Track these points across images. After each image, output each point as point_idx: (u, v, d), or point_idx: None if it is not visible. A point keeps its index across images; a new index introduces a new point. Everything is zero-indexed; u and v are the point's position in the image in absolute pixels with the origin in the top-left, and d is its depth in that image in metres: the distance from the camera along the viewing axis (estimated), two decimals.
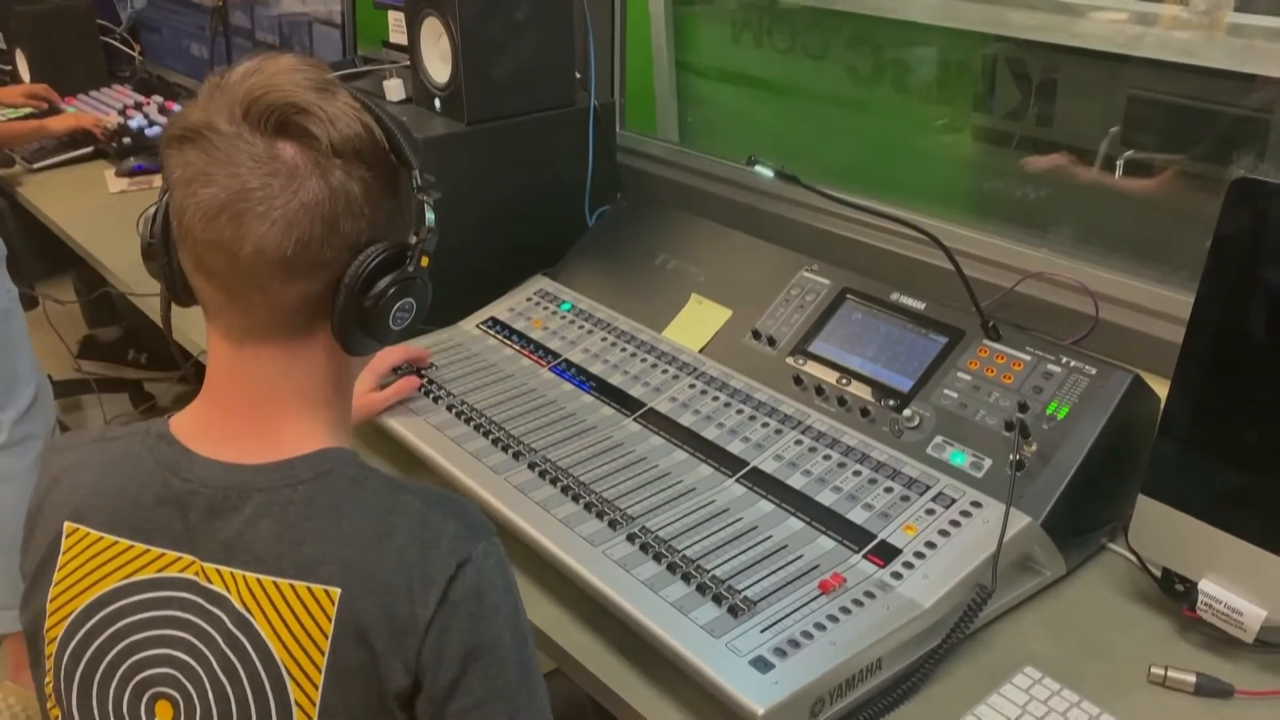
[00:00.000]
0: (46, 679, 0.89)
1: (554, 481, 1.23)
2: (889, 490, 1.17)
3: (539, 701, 0.85)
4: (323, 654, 0.79)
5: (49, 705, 0.90)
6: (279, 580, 0.80)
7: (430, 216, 0.85)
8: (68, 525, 0.87)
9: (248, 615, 0.80)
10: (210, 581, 0.82)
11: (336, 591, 0.79)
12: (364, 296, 0.82)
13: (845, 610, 1.02)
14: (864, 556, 1.09)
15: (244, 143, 0.78)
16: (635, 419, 1.36)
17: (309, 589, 0.79)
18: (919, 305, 1.34)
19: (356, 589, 0.79)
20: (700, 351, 1.46)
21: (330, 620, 0.78)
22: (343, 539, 0.81)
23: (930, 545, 1.09)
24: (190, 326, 1.84)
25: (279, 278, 0.80)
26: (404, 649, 0.79)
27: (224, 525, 0.82)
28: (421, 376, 1.45)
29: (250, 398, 0.86)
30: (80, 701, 0.87)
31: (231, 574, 0.81)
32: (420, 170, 0.84)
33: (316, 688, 0.79)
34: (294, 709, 0.79)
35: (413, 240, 0.85)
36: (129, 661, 0.84)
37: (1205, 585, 1.05)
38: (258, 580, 0.80)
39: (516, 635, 0.83)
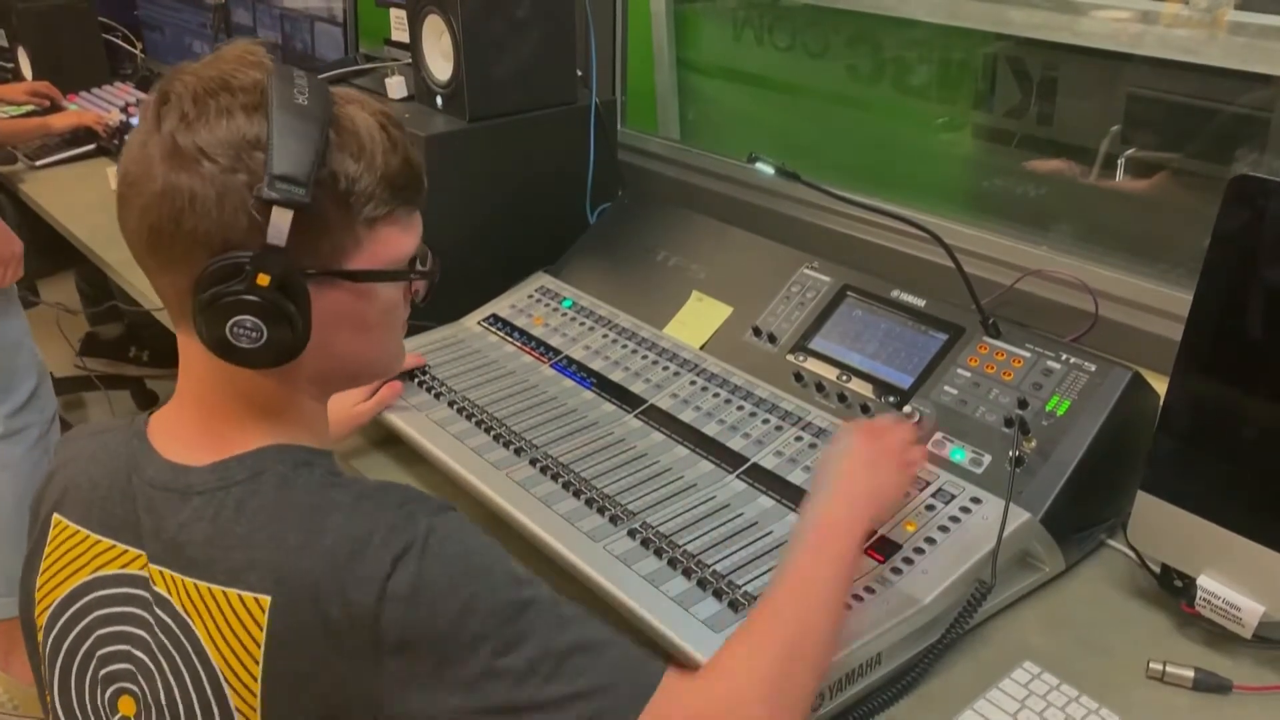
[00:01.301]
0: (41, 666, 0.91)
1: (555, 477, 1.24)
2: None
3: (553, 648, 0.77)
4: (257, 662, 0.76)
5: (45, 693, 0.91)
6: (213, 586, 0.78)
7: (280, 230, 0.75)
8: (55, 517, 0.88)
9: (188, 620, 0.79)
10: (155, 582, 0.81)
11: (266, 599, 0.76)
12: (197, 302, 0.77)
13: (845, 605, 1.02)
14: (864, 552, 1.10)
15: (146, 128, 0.79)
16: (636, 415, 1.36)
17: (239, 596, 0.77)
18: (919, 302, 1.35)
19: (286, 596, 0.76)
20: (701, 348, 1.47)
21: (262, 629, 0.76)
22: (271, 544, 0.78)
23: (930, 541, 1.09)
24: None
25: (151, 266, 0.81)
26: (346, 653, 0.75)
27: (166, 527, 0.81)
28: (413, 379, 1.46)
29: (197, 392, 0.85)
30: (61, 689, 0.88)
31: (173, 577, 0.80)
32: (280, 178, 0.74)
33: (256, 695, 0.77)
34: (235, 716, 0.78)
35: (246, 256, 0.76)
36: (98, 654, 0.85)
37: (1204, 581, 1.05)
38: (195, 585, 0.79)
39: (491, 604, 0.76)
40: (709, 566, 1.08)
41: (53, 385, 2.23)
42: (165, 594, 0.80)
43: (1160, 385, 1.10)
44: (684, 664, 0.98)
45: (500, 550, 0.81)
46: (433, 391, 1.44)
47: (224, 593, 0.78)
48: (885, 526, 1.12)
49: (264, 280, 0.76)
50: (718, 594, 1.04)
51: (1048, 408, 1.17)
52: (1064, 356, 1.21)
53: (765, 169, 1.41)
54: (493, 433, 1.33)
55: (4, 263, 2.00)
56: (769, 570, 1.07)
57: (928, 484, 1.16)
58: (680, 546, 1.11)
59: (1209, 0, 1.38)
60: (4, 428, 2.07)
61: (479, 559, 0.78)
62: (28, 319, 2.16)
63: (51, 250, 2.56)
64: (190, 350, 0.83)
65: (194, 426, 0.85)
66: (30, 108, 2.82)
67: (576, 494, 1.21)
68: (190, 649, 0.79)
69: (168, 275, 0.80)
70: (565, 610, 0.80)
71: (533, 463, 1.27)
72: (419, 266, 0.89)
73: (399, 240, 0.85)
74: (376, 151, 0.81)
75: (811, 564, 0.92)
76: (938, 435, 1.21)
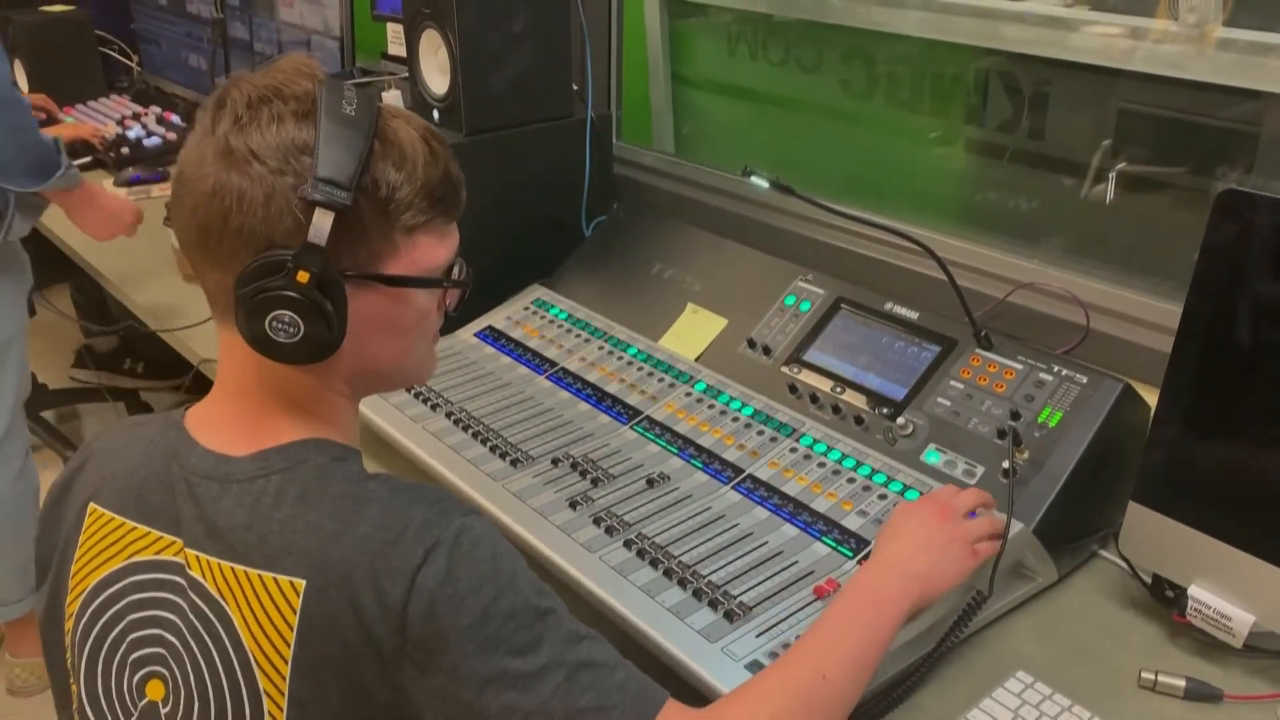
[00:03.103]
0: (67, 654, 0.92)
1: (551, 488, 1.24)
2: (883, 497, 1.18)
3: (565, 660, 0.79)
4: (288, 645, 0.79)
5: (69, 680, 0.92)
6: (249, 570, 0.81)
7: (321, 231, 0.78)
8: (91, 505, 0.90)
9: (222, 603, 0.81)
10: (191, 567, 0.83)
11: (301, 583, 0.79)
12: (239, 297, 0.80)
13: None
14: (858, 562, 1.11)
15: (202, 130, 0.82)
16: (632, 426, 1.37)
17: (275, 580, 0.80)
18: (912, 315, 1.36)
19: (320, 581, 0.78)
20: (696, 360, 1.48)
21: (295, 612, 0.78)
22: (308, 530, 0.80)
23: None
24: (189, 335, 1.85)
25: (199, 260, 0.83)
26: (375, 639, 0.77)
27: (205, 514, 0.83)
28: (412, 392, 1.47)
29: (237, 386, 0.88)
30: (88, 676, 0.89)
31: (208, 561, 0.82)
32: (324, 180, 0.78)
33: (284, 678, 0.79)
34: (263, 698, 0.80)
35: (289, 254, 0.79)
36: (128, 639, 0.86)
37: (1194, 591, 1.06)
38: (231, 569, 0.81)
39: (512, 607, 0.78)
40: (705, 577, 1.08)
41: (42, 402, 2.21)
42: (200, 578, 0.83)
43: (1151, 397, 1.12)
44: (681, 675, 0.99)
45: (524, 560, 0.83)
46: (429, 403, 1.44)
47: (259, 576, 0.80)
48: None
49: (304, 277, 0.79)
50: (713, 604, 1.05)
51: (1040, 419, 1.19)
52: (1056, 368, 1.22)
53: (760, 182, 1.42)
54: (489, 444, 1.34)
55: (127, 223, 2.04)
56: (764, 580, 1.08)
57: (921, 494, 1.17)
58: (676, 557, 1.12)
59: (1197, 16, 1.40)
60: None
61: (506, 563, 0.81)
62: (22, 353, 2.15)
63: (47, 262, 2.57)
64: (231, 346, 0.86)
65: (232, 419, 0.87)
66: None
67: (573, 505, 1.21)
68: (223, 631, 0.81)
69: (214, 271, 0.83)
70: (579, 628, 0.82)
71: (530, 474, 1.27)
72: (454, 276, 0.92)
73: (435, 249, 0.88)
74: (418, 162, 0.84)
75: (845, 627, 0.93)
76: (931, 446, 1.22)
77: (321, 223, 0.78)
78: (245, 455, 0.85)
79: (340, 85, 0.83)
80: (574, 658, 0.79)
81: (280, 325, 0.80)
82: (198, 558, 0.83)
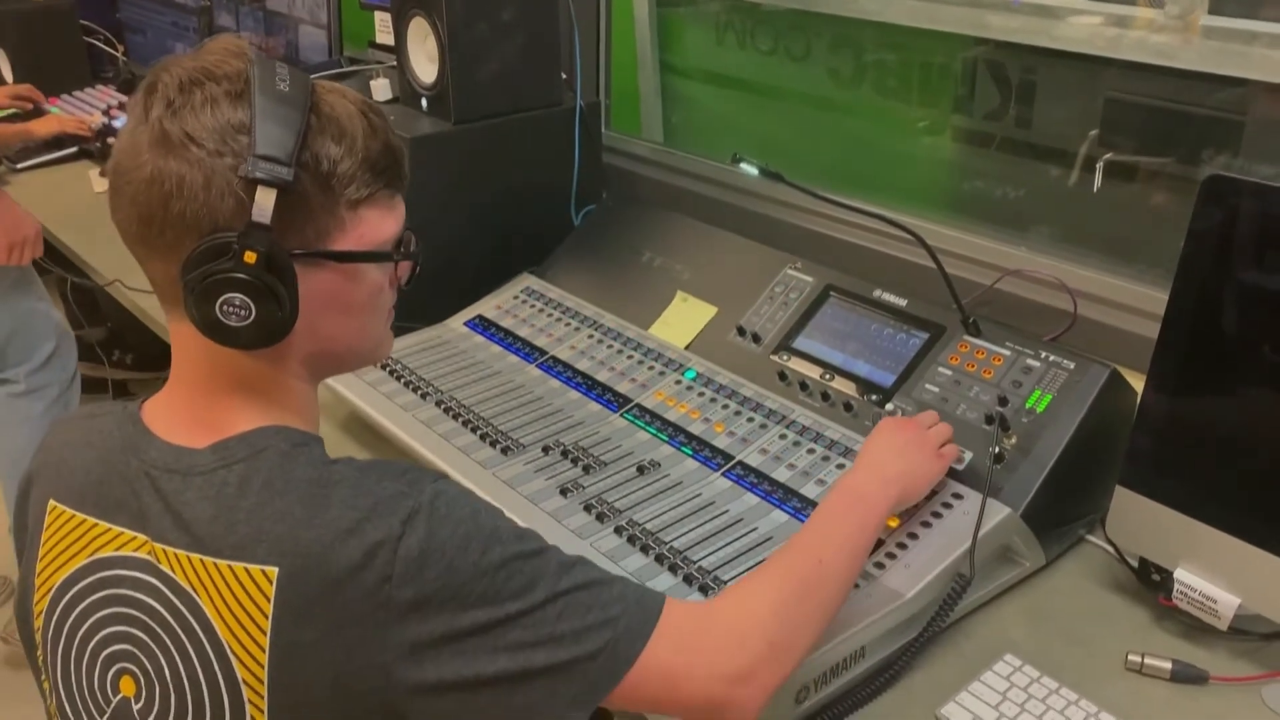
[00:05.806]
0: (38, 652, 0.91)
1: (542, 474, 1.25)
2: None
3: (561, 588, 0.80)
4: (265, 634, 0.78)
5: (42, 678, 0.92)
6: (219, 561, 0.80)
7: (265, 209, 0.78)
8: (51, 503, 0.89)
9: (194, 595, 0.81)
10: (159, 562, 0.82)
11: (273, 570, 0.77)
12: (187, 283, 0.79)
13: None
14: None
15: (135, 119, 0.81)
16: (622, 414, 1.38)
17: (246, 569, 0.79)
18: (901, 302, 1.36)
19: (294, 566, 0.77)
20: (686, 348, 1.48)
21: (269, 600, 0.78)
22: (276, 517, 0.79)
23: (912, 536, 1.11)
24: None
25: (142, 254, 0.83)
26: (356, 619, 0.76)
27: (170, 506, 0.82)
28: (398, 378, 1.46)
29: (192, 378, 0.87)
30: (62, 675, 0.89)
31: (177, 555, 0.81)
32: (263, 157, 0.77)
33: (262, 667, 0.78)
34: (242, 687, 0.79)
35: (233, 235, 0.78)
36: (97, 637, 0.86)
37: (1180, 574, 1.07)
38: (200, 561, 0.80)
39: (501, 557, 0.79)
40: (695, 562, 1.09)
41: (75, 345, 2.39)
42: (170, 572, 0.82)
43: (1138, 382, 1.12)
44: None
45: (499, 510, 0.84)
46: (419, 391, 1.45)
47: (230, 567, 0.79)
48: None
49: (251, 258, 0.78)
50: (704, 589, 1.05)
51: (1028, 405, 1.19)
52: (1043, 355, 1.23)
53: (749, 170, 1.42)
54: (479, 432, 1.34)
55: (20, 244, 2.07)
56: (755, 565, 1.08)
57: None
58: (667, 543, 1.12)
59: (1181, 6, 1.40)
60: (25, 385, 2.30)
61: (485, 518, 0.81)
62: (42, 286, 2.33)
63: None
64: (183, 336, 0.85)
65: (189, 411, 0.86)
66: (12, 111, 2.81)
67: (564, 492, 1.22)
68: (196, 625, 0.80)
69: (159, 262, 0.82)
70: (567, 557, 0.83)
71: (520, 462, 1.28)
72: (403, 249, 0.91)
73: (383, 223, 0.87)
74: (357, 135, 0.83)
75: (834, 523, 0.99)
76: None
77: (264, 201, 0.78)
78: (205, 447, 0.84)
79: (272, 63, 0.82)
80: (569, 582, 0.81)
81: (231, 309, 0.79)
82: (166, 551, 0.82)
